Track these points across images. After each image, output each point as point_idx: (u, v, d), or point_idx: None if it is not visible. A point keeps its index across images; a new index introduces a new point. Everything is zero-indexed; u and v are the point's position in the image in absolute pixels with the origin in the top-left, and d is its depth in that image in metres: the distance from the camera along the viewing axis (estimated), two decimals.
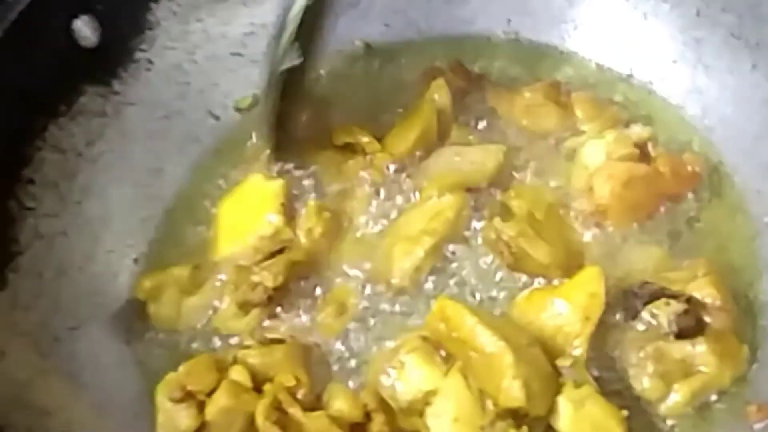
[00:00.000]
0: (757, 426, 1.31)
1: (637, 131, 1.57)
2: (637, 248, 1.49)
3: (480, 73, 1.76)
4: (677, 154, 1.57)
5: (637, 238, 1.50)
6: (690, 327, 1.35)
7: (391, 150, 1.61)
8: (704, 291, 1.37)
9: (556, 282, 1.44)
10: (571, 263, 1.44)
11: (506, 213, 1.50)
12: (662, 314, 1.36)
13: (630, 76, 1.76)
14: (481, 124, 1.68)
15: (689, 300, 1.36)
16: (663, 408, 1.34)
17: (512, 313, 1.43)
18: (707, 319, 1.36)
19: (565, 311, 1.36)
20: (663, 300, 1.36)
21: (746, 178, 1.59)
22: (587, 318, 1.34)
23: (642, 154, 1.54)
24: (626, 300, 1.40)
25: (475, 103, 1.71)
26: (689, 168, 1.55)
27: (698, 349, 1.34)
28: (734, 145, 1.62)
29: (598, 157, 1.54)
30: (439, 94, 1.67)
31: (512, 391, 1.25)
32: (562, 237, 1.49)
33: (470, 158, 1.58)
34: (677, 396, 1.34)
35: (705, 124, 1.67)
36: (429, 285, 1.49)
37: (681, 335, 1.35)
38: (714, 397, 1.35)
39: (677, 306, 1.36)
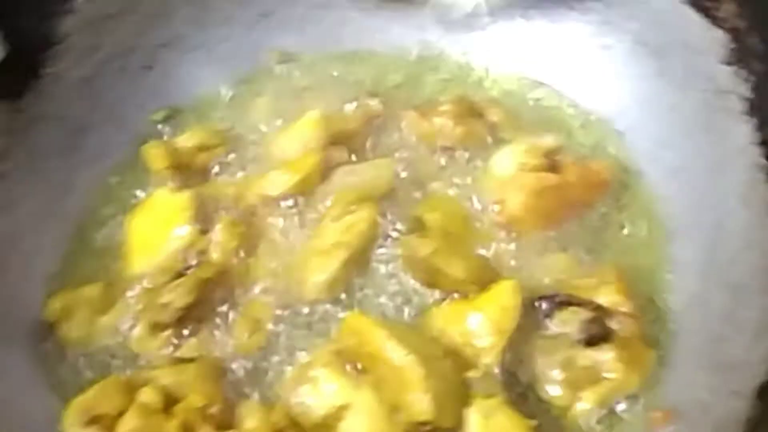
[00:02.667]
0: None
1: (548, 141, 1.58)
2: (547, 256, 1.51)
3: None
4: (586, 163, 1.58)
5: (548, 246, 1.52)
6: (598, 334, 1.37)
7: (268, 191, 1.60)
8: (611, 298, 1.40)
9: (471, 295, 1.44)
10: (485, 277, 1.44)
11: (420, 226, 1.50)
12: (571, 322, 1.38)
13: (541, 83, 1.77)
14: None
15: (596, 308, 1.39)
16: (571, 415, 1.36)
17: (425, 324, 1.43)
18: (614, 325, 1.38)
19: (479, 325, 1.36)
20: (571, 308, 1.39)
21: (654, 182, 1.61)
22: (500, 332, 1.35)
23: (552, 164, 1.55)
24: (535, 308, 1.41)
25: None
26: (598, 176, 1.57)
27: (605, 356, 1.36)
28: (642, 150, 1.65)
29: (508, 168, 1.56)
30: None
31: (422, 405, 1.26)
32: (476, 250, 1.51)
33: (363, 176, 1.59)
34: (584, 403, 1.36)
35: (615, 129, 1.69)
36: (343, 299, 1.49)
37: (589, 342, 1.37)
38: (623, 406, 1.37)
39: (584, 314, 1.38)
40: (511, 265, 1.50)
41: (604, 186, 1.57)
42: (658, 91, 1.63)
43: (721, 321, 1.40)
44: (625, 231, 1.56)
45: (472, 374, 1.33)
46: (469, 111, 1.65)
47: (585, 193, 1.55)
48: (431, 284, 1.47)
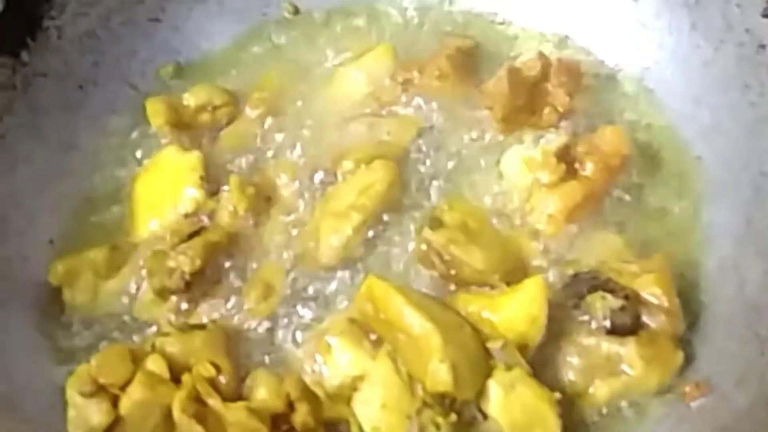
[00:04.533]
0: (694, 404, 1.27)
1: (554, 141, 1.46)
2: (594, 235, 1.43)
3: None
4: (599, 148, 1.46)
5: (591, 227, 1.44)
6: (624, 324, 1.29)
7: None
8: (650, 289, 1.32)
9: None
10: (510, 268, 1.37)
11: (435, 225, 1.41)
12: (598, 307, 1.30)
13: (567, 38, 1.69)
14: None
15: (627, 296, 1.30)
16: (580, 403, 1.30)
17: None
18: (646, 318, 1.30)
19: (503, 327, 1.29)
20: (600, 293, 1.31)
21: (687, 143, 1.54)
22: (525, 346, 1.28)
23: (567, 159, 1.45)
24: (572, 287, 1.34)
25: None
26: (616, 157, 1.46)
27: (625, 350, 1.28)
28: (674, 108, 1.57)
29: (522, 175, 1.46)
30: None
31: (439, 375, 1.20)
32: (500, 243, 1.42)
33: (385, 129, 1.52)
34: (596, 394, 1.29)
35: (643, 86, 1.61)
36: (359, 264, 1.43)
37: (613, 331, 1.29)
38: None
39: (614, 301, 1.30)
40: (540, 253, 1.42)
41: (624, 162, 1.48)
42: (691, 46, 1.55)
43: (758, 289, 1.33)
44: (656, 196, 1.49)
45: (492, 345, 1.27)
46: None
47: (608, 179, 1.46)
48: (449, 278, 1.38)
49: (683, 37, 1.56)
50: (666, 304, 1.31)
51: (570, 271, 1.37)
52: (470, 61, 1.62)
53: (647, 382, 1.29)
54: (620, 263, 1.37)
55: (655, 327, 1.30)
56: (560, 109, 1.52)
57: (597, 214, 1.44)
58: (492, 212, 1.46)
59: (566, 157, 1.42)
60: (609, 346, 1.29)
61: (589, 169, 1.44)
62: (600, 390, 1.29)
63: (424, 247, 1.38)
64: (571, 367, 1.30)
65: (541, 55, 1.56)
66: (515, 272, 1.36)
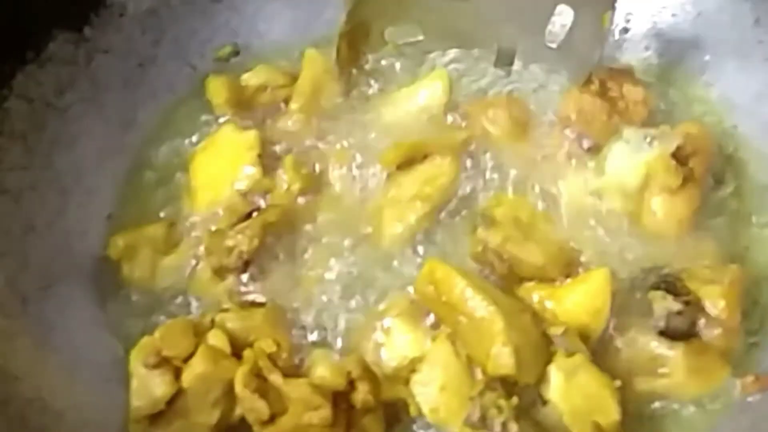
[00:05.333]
0: (754, 397, 1.27)
1: (669, 142, 1.40)
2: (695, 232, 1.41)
3: None
4: (696, 142, 1.42)
5: None
6: (678, 329, 1.28)
7: None
8: (715, 300, 1.30)
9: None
10: (569, 262, 1.36)
11: (489, 223, 1.40)
12: (657, 306, 1.30)
13: (627, 30, 1.68)
14: None
15: (689, 302, 1.29)
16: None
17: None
18: (702, 328, 1.29)
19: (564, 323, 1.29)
20: (662, 292, 1.30)
21: (750, 138, 1.54)
22: (587, 337, 1.28)
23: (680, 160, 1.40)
24: (640, 280, 1.34)
25: None
26: (711, 157, 1.44)
27: (672, 354, 1.28)
28: (736, 104, 1.57)
29: (635, 176, 1.41)
30: None
31: (502, 358, 1.20)
32: (554, 236, 1.41)
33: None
34: (633, 390, 1.28)
35: (704, 81, 1.61)
36: (419, 249, 1.43)
37: (666, 333, 1.29)
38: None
39: (673, 303, 1.29)
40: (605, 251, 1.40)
41: (712, 157, 1.45)
42: (754, 41, 1.54)
43: None
44: (722, 192, 1.48)
45: (553, 331, 1.27)
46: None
47: (706, 174, 1.44)
48: (510, 278, 1.37)
49: (746, 32, 1.55)
50: (726, 318, 1.29)
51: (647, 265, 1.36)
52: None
53: (686, 391, 1.29)
54: (697, 266, 1.35)
55: (708, 338, 1.29)
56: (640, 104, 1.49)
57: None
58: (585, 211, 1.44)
59: (679, 159, 1.39)
60: (658, 346, 1.29)
61: (697, 169, 1.41)
62: (638, 387, 1.29)
63: (480, 248, 1.37)
64: (619, 357, 1.30)
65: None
66: (573, 264, 1.36)
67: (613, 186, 1.42)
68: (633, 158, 1.41)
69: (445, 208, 1.46)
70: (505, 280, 1.37)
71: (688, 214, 1.39)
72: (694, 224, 1.40)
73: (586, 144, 1.47)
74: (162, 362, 1.26)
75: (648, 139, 1.41)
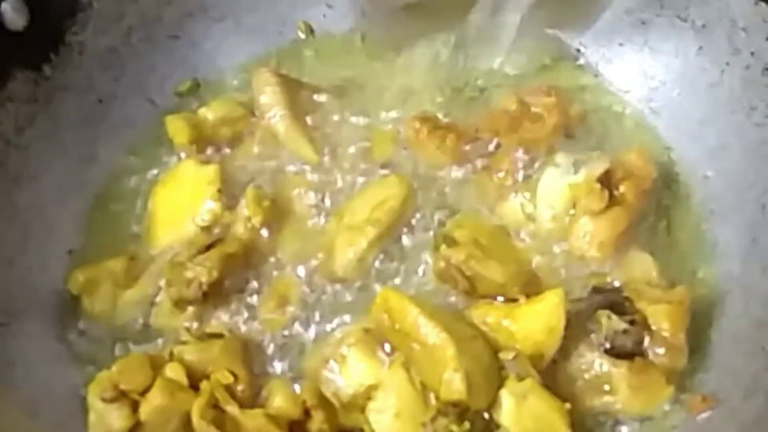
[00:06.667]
0: (701, 417, 1.30)
1: (597, 167, 1.44)
2: (629, 255, 1.45)
3: None
4: (633, 170, 1.47)
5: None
6: (623, 347, 1.31)
7: None
8: (661, 320, 1.32)
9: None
10: (529, 282, 1.40)
11: (451, 242, 1.43)
12: (602, 325, 1.33)
13: (576, 59, 1.72)
14: None
15: (634, 321, 1.32)
16: None
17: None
18: (648, 347, 1.32)
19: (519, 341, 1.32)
20: (607, 312, 1.33)
21: (693, 162, 1.58)
22: (541, 356, 1.31)
23: (605, 185, 1.44)
24: (587, 300, 1.36)
25: None
26: (648, 181, 1.48)
27: (616, 372, 1.30)
28: (680, 129, 1.61)
29: (562, 200, 1.46)
30: None
31: (453, 384, 1.22)
32: (513, 257, 1.45)
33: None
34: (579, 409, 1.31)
35: (651, 107, 1.65)
36: (373, 277, 1.46)
37: (611, 352, 1.31)
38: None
39: (618, 323, 1.31)
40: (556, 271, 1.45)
41: (653, 185, 1.49)
42: (697, 69, 1.58)
43: (763, 306, 1.36)
44: (664, 213, 1.52)
45: (504, 356, 1.29)
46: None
47: (642, 203, 1.48)
48: (472, 293, 1.40)
49: (690, 60, 1.59)
50: (671, 337, 1.32)
51: (595, 283, 1.39)
52: None
53: (629, 408, 1.31)
54: (645, 285, 1.38)
55: (653, 358, 1.32)
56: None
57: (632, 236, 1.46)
58: (515, 234, 1.49)
59: (606, 183, 1.43)
60: (602, 364, 1.31)
61: (627, 194, 1.44)
62: (584, 404, 1.32)
63: (442, 264, 1.40)
64: (566, 375, 1.33)
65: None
66: (532, 284, 1.39)
67: (544, 209, 1.47)
68: (560, 182, 1.46)
69: (402, 231, 1.49)
70: (468, 296, 1.40)
71: (611, 237, 1.42)
72: (626, 246, 1.44)
73: (521, 166, 1.51)
74: (119, 396, 1.27)
75: (576, 164, 1.45)
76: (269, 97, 1.62)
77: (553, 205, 1.46)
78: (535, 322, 1.31)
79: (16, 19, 1.50)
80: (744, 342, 1.34)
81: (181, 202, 1.54)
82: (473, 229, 1.46)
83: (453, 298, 1.41)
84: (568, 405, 1.26)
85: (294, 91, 1.64)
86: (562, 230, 1.46)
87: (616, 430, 1.33)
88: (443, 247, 1.41)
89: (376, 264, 1.46)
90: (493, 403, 1.26)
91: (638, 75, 1.67)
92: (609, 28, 1.70)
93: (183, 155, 1.61)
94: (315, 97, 1.67)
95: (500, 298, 1.38)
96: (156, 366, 1.32)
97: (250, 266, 1.48)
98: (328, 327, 1.42)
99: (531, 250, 1.47)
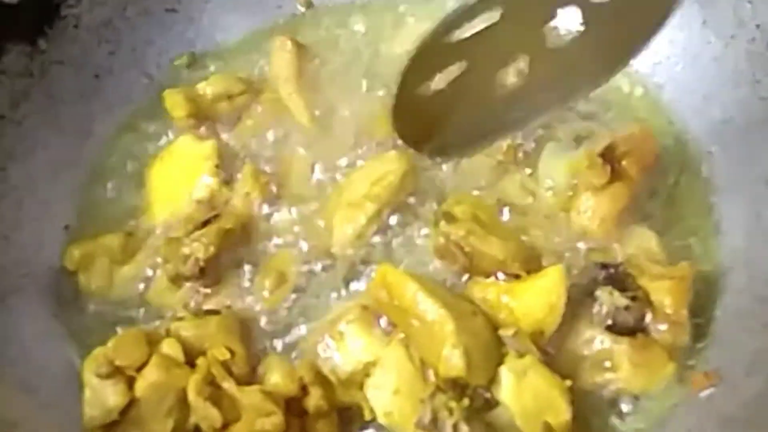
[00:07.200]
0: (703, 393, 1.28)
1: (599, 142, 1.42)
2: (631, 230, 1.43)
3: None
4: (637, 145, 1.44)
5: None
6: (625, 324, 1.29)
7: None
8: (663, 296, 1.31)
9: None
10: (527, 256, 1.37)
11: (450, 219, 1.41)
12: (604, 301, 1.31)
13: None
14: None
15: (636, 297, 1.30)
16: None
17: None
18: (650, 324, 1.31)
19: (520, 314, 1.30)
20: (609, 288, 1.31)
21: (697, 137, 1.55)
22: (541, 333, 1.29)
23: (607, 160, 1.42)
24: (589, 276, 1.34)
25: None
26: (651, 156, 1.46)
27: (617, 349, 1.29)
28: (684, 103, 1.58)
29: (564, 175, 1.44)
30: None
31: (452, 360, 1.22)
32: (513, 234, 1.43)
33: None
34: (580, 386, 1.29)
35: (654, 82, 1.63)
36: (372, 253, 1.44)
37: (613, 329, 1.30)
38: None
39: (620, 299, 1.30)
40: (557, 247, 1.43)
41: (656, 161, 1.47)
42: (702, 42, 1.56)
43: (767, 282, 1.34)
44: (669, 189, 1.50)
45: (504, 332, 1.28)
46: None
47: (644, 179, 1.45)
48: (471, 270, 1.38)
49: (694, 33, 1.56)
50: (673, 314, 1.30)
51: (597, 259, 1.37)
52: None
53: (631, 385, 1.30)
54: (648, 262, 1.37)
55: (655, 334, 1.31)
56: None
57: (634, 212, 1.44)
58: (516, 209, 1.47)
59: (609, 158, 1.40)
60: (603, 341, 1.30)
61: (630, 169, 1.42)
62: (585, 381, 1.30)
63: (442, 240, 1.38)
64: (567, 351, 1.31)
65: None
66: (532, 260, 1.37)
67: (545, 185, 1.45)
68: (562, 157, 1.44)
69: (399, 208, 1.47)
70: (468, 273, 1.38)
71: (612, 213, 1.41)
72: (629, 222, 1.42)
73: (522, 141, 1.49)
74: (115, 372, 1.26)
75: (578, 139, 1.44)
76: (283, 64, 1.61)
77: (554, 180, 1.44)
78: (536, 299, 1.30)
79: None
80: (747, 318, 1.32)
81: (178, 178, 1.53)
82: (473, 206, 1.45)
83: (452, 275, 1.40)
84: (568, 382, 1.25)
85: (305, 61, 1.63)
86: (564, 205, 1.44)
87: (617, 407, 1.31)
88: (442, 223, 1.40)
89: (375, 239, 1.45)
90: (492, 380, 1.25)
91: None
92: None
93: (180, 130, 1.60)
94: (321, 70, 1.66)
95: (501, 275, 1.36)
96: (152, 342, 1.31)
97: (247, 242, 1.47)
98: (326, 304, 1.41)
99: (532, 225, 1.45)
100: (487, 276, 1.36)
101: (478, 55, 1.26)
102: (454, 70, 1.27)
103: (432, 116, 1.32)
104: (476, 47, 1.25)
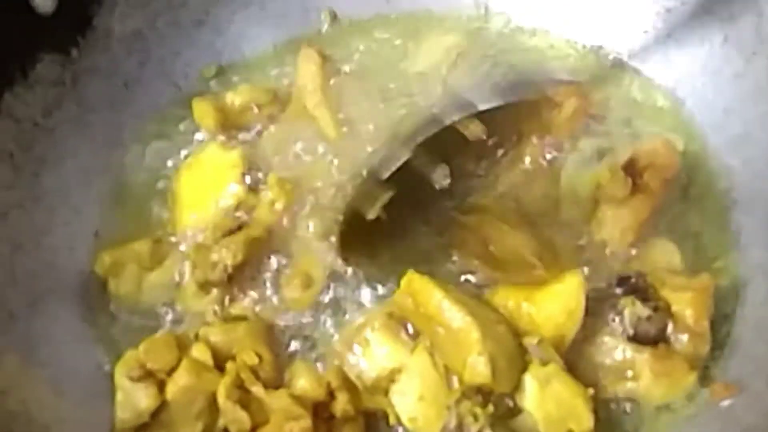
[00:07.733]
0: (724, 403, 1.30)
1: (621, 154, 1.46)
2: (652, 242, 1.46)
3: None
4: (658, 160, 1.46)
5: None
6: (646, 334, 1.32)
7: None
8: (684, 307, 1.33)
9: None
10: (548, 254, 1.40)
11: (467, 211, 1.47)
12: (626, 312, 1.33)
13: (600, 48, 1.72)
14: None
15: (657, 308, 1.33)
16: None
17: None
18: (671, 334, 1.33)
19: (540, 320, 1.33)
20: (631, 298, 1.33)
21: (717, 151, 1.57)
22: (562, 339, 1.31)
23: (629, 173, 1.45)
24: (611, 286, 1.37)
25: None
26: (671, 170, 1.47)
27: (639, 359, 1.31)
28: (704, 118, 1.60)
29: (585, 188, 1.46)
30: None
31: (478, 367, 1.24)
32: (533, 231, 1.45)
33: None
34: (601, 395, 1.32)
35: (676, 97, 1.64)
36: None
37: (635, 339, 1.32)
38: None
39: (642, 309, 1.32)
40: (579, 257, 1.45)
41: (676, 174, 1.49)
42: (723, 58, 1.58)
43: None
44: (689, 202, 1.52)
45: (528, 341, 1.30)
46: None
47: (665, 192, 1.48)
48: (488, 259, 1.41)
49: (715, 49, 1.59)
50: (694, 324, 1.33)
51: (617, 270, 1.40)
52: None
53: (652, 394, 1.32)
54: (669, 273, 1.39)
55: (676, 344, 1.33)
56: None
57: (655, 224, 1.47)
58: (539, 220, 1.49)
59: (630, 171, 1.43)
60: (625, 350, 1.32)
61: (651, 182, 1.44)
62: (606, 390, 1.32)
63: (459, 230, 1.42)
64: (588, 361, 1.34)
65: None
66: (551, 257, 1.40)
67: (568, 195, 1.47)
68: (584, 169, 1.46)
69: None
70: (485, 266, 1.41)
71: (633, 225, 1.43)
72: (650, 234, 1.45)
73: (547, 151, 1.51)
74: (146, 375, 1.29)
75: (601, 152, 1.46)
76: (309, 76, 1.63)
77: (577, 190, 1.46)
78: (555, 304, 1.32)
79: (46, 3, 1.51)
80: (766, 329, 1.34)
81: (205, 186, 1.56)
82: (494, 205, 1.48)
83: (474, 279, 1.43)
84: (591, 390, 1.27)
85: (330, 73, 1.66)
86: (585, 217, 1.46)
87: (638, 416, 1.33)
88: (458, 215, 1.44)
89: None
90: (516, 388, 1.27)
91: (663, 64, 1.66)
92: (633, 17, 1.69)
93: (208, 139, 1.63)
94: (345, 80, 1.67)
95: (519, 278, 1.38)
96: (182, 346, 1.34)
97: (274, 249, 1.49)
98: (352, 311, 1.43)
99: (554, 235, 1.47)
100: (506, 269, 1.39)
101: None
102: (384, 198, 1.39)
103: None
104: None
